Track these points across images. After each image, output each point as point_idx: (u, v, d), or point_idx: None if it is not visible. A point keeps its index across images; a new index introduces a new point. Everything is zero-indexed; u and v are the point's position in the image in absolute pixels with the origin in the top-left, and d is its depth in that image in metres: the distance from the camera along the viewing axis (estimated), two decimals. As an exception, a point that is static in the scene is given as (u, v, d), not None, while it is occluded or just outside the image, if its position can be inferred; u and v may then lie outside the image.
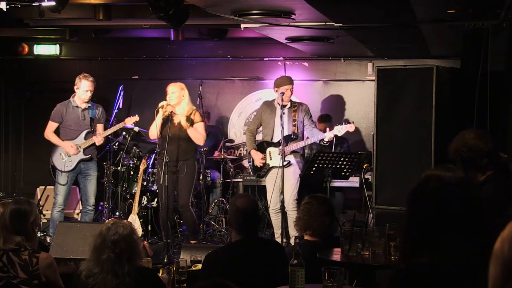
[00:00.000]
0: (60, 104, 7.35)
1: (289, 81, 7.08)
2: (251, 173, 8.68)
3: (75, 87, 7.25)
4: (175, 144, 6.86)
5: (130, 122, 7.49)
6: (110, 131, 7.45)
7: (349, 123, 7.08)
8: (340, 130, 6.84)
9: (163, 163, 6.68)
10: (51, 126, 7.32)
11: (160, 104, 6.81)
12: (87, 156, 7.27)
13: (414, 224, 2.13)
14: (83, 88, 7.19)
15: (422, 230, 2.10)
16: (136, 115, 7.52)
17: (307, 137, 7.04)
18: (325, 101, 9.21)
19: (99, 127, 7.38)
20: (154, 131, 6.90)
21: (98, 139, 7.25)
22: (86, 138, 7.26)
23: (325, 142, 6.99)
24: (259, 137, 7.42)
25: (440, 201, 2.09)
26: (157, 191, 7.90)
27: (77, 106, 7.26)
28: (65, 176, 7.20)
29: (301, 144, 6.97)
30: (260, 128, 7.29)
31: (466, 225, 2.07)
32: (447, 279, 2.00)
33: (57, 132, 7.35)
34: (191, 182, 6.99)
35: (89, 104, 7.32)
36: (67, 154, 7.20)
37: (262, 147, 7.19)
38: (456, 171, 2.17)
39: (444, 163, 3.57)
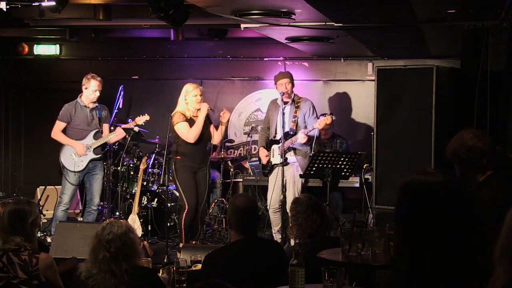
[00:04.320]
0: (68, 104, 7.31)
1: (284, 75, 7.05)
2: (251, 173, 8.69)
3: (83, 87, 7.23)
4: (202, 146, 7.01)
5: (141, 121, 7.50)
6: (123, 127, 7.46)
7: (326, 116, 7.09)
8: (320, 123, 6.81)
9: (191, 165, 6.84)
10: (59, 126, 7.25)
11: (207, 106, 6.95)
12: (98, 156, 7.30)
13: (407, 230, 2.12)
14: (92, 88, 7.19)
15: (416, 234, 2.08)
16: (146, 114, 7.53)
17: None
18: (325, 101, 9.20)
19: (105, 127, 7.42)
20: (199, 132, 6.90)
21: (112, 136, 7.31)
22: (95, 138, 7.27)
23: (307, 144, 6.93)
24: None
25: (431, 206, 2.07)
26: (159, 191, 7.90)
27: (85, 106, 7.25)
28: (76, 176, 7.20)
29: (292, 141, 6.86)
30: None
31: (461, 226, 2.05)
32: (448, 278, 1.99)
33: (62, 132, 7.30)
34: None
35: (97, 104, 7.33)
36: (78, 154, 7.18)
37: (270, 145, 7.18)
38: (438, 174, 2.14)
39: (444, 163, 3.57)
